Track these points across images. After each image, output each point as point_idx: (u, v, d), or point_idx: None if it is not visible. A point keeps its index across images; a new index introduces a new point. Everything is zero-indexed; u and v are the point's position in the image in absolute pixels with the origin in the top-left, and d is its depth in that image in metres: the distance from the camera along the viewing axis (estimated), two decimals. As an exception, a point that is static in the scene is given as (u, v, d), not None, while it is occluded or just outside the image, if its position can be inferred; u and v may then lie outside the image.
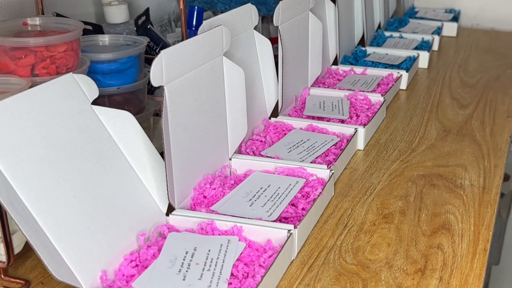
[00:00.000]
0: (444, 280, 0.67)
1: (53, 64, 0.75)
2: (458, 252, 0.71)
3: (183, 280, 0.62)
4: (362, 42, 1.45)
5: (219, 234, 0.70)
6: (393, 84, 1.19)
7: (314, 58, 1.14)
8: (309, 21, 1.10)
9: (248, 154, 0.89)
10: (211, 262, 0.65)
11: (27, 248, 0.68)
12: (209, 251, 0.66)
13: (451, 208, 0.81)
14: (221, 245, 0.67)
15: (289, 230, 0.69)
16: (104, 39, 0.92)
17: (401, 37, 1.54)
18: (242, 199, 0.77)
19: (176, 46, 0.70)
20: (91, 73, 0.77)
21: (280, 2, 0.97)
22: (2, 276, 0.68)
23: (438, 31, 1.62)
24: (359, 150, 0.98)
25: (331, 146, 0.92)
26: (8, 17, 0.93)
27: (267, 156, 0.88)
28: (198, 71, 0.75)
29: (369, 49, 1.42)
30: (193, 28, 1.21)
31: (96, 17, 1.18)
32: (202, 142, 0.78)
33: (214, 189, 0.78)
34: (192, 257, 0.65)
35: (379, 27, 1.58)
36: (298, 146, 0.92)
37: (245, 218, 0.72)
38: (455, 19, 1.77)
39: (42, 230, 0.58)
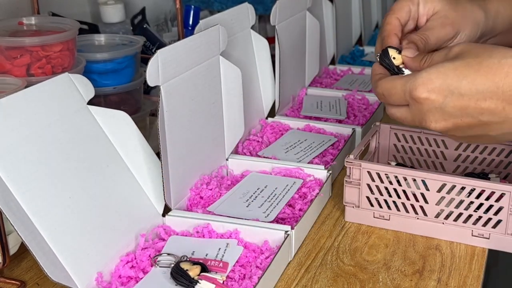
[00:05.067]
0: (443, 282, 0.66)
1: (49, 64, 0.75)
2: (457, 253, 0.71)
3: None
4: (360, 42, 1.44)
5: (216, 237, 0.70)
6: (390, 84, 1.19)
7: (311, 58, 1.14)
8: (307, 20, 1.09)
9: (245, 154, 0.89)
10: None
11: (23, 249, 0.68)
12: (206, 255, 0.66)
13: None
14: (219, 249, 0.67)
15: (286, 231, 0.69)
16: (100, 38, 0.91)
17: (398, 36, 1.54)
18: (239, 200, 0.77)
19: (172, 46, 0.69)
20: (87, 73, 0.77)
21: (277, 1, 0.97)
22: (-3, 277, 0.68)
23: (435, 30, 1.62)
24: (357, 150, 0.98)
25: (329, 147, 0.92)
26: (3, 16, 0.93)
27: (264, 157, 0.88)
28: (195, 70, 0.75)
29: (367, 49, 1.42)
30: (190, 28, 1.20)
31: (92, 17, 1.18)
32: (198, 142, 0.78)
33: (211, 189, 0.78)
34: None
35: (376, 26, 1.58)
36: (295, 146, 0.91)
37: (242, 219, 0.72)
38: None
39: (37, 231, 0.57)
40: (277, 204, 0.76)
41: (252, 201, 0.77)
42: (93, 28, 1.06)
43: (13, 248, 0.68)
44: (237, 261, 0.66)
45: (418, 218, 0.74)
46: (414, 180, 0.72)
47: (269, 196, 0.78)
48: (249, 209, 0.75)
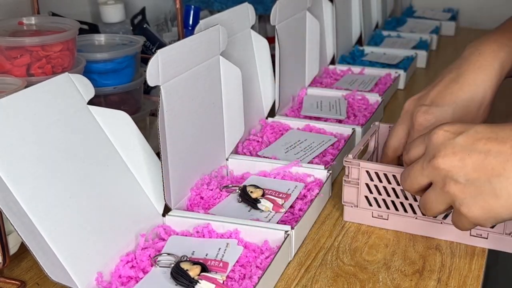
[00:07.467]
0: (443, 282, 0.66)
1: (49, 64, 0.75)
2: (456, 253, 0.71)
3: None
4: (359, 42, 1.44)
5: (216, 237, 0.70)
6: (391, 84, 1.19)
7: (311, 58, 1.14)
8: (306, 20, 1.10)
9: (245, 154, 0.89)
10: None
11: (23, 249, 0.68)
12: (206, 255, 0.66)
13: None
14: (219, 249, 0.67)
15: (286, 231, 0.69)
16: (100, 38, 0.91)
17: (399, 36, 1.54)
18: (240, 205, 0.77)
19: (172, 46, 0.69)
20: (87, 72, 0.77)
21: (277, 1, 0.97)
22: (-3, 277, 0.68)
23: (436, 30, 1.62)
24: (357, 150, 0.98)
25: (329, 147, 0.92)
26: (3, 16, 0.93)
27: (264, 157, 0.88)
28: (195, 70, 0.75)
29: (367, 49, 1.42)
30: (190, 28, 1.21)
31: (92, 17, 1.18)
32: (198, 142, 0.78)
33: (211, 189, 0.78)
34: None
35: (376, 26, 1.58)
36: (295, 146, 0.91)
37: (242, 219, 0.72)
38: (453, 18, 1.77)
39: (37, 230, 0.57)
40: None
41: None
42: (93, 28, 1.06)
43: (13, 248, 0.68)
44: (237, 261, 0.66)
45: (416, 218, 0.74)
46: None
47: (269, 196, 0.78)
48: (250, 214, 0.75)
